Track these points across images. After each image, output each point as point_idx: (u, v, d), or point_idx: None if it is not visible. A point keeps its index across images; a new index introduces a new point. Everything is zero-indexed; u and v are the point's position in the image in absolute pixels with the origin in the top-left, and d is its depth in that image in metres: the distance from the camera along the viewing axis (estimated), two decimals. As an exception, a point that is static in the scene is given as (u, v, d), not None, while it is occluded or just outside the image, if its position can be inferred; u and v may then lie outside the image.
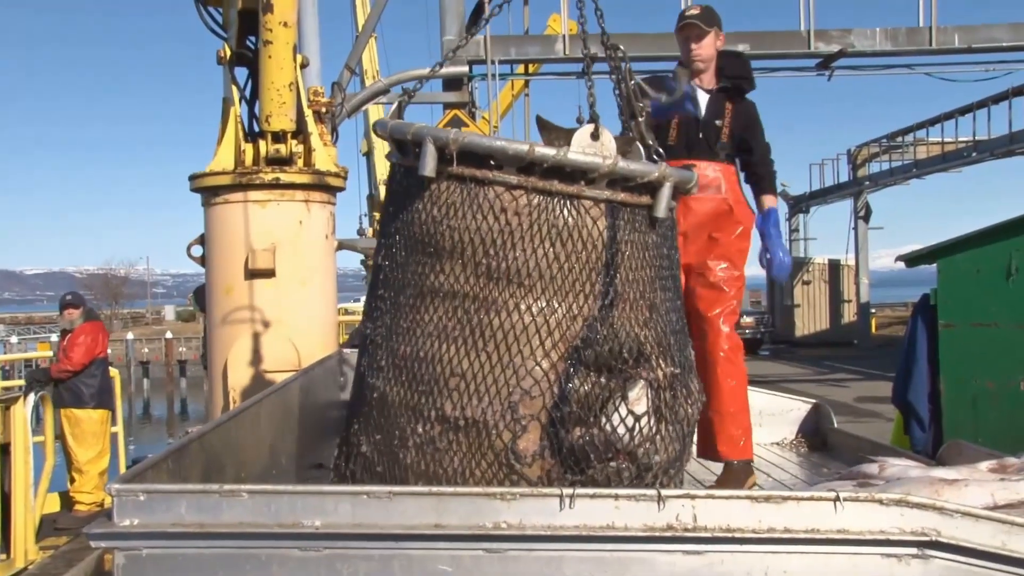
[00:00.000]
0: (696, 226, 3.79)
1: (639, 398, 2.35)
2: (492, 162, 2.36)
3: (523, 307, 2.34)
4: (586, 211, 2.37)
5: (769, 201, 3.95)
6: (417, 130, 2.44)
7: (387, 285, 2.57)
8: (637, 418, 2.33)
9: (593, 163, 2.33)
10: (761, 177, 3.96)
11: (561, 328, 2.35)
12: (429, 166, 2.35)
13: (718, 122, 3.84)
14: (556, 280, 2.35)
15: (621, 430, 2.33)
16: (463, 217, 2.37)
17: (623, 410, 2.33)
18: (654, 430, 2.37)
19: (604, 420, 2.33)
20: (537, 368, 2.32)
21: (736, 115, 3.87)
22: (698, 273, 3.81)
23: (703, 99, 3.88)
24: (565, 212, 2.35)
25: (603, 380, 2.35)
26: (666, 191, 2.42)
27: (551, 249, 2.35)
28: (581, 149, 2.38)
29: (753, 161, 3.94)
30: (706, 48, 3.85)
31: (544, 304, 2.35)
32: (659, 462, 2.39)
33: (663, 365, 2.44)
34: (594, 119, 2.46)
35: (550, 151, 2.32)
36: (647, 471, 2.38)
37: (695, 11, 3.86)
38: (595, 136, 2.42)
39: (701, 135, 3.83)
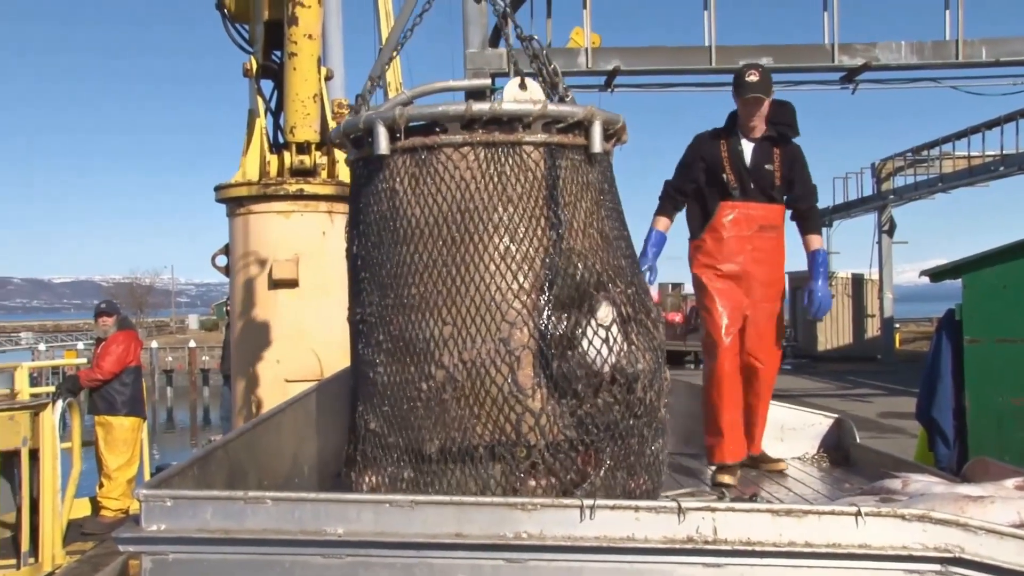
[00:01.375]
0: (759, 263, 4.06)
1: (605, 314, 2.55)
2: (437, 128, 2.57)
3: (492, 253, 2.53)
4: (527, 155, 2.59)
5: (815, 242, 4.19)
6: (366, 118, 2.66)
7: (367, 267, 2.74)
8: (607, 327, 2.54)
9: (525, 109, 2.57)
10: (807, 218, 4.18)
11: (528, 263, 2.55)
12: (383, 145, 2.58)
13: (768, 167, 4.06)
14: (514, 222, 2.55)
15: (597, 343, 2.51)
16: (423, 184, 2.58)
17: (594, 324, 2.53)
18: (627, 337, 2.58)
19: (582, 339, 2.52)
20: (516, 302, 2.50)
21: (784, 159, 4.09)
22: (760, 307, 4.09)
23: (748, 147, 4.10)
24: (510, 160, 2.57)
25: (573, 306, 2.55)
26: (597, 128, 2.65)
27: (504, 195, 2.56)
28: (513, 99, 2.63)
29: (799, 202, 4.16)
30: (765, 113, 4.10)
31: (509, 246, 2.54)
32: (643, 370, 2.58)
33: (620, 285, 2.65)
34: (519, 73, 2.73)
35: (485, 105, 2.56)
36: (635, 381, 2.55)
37: (755, 78, 4.04)
38: (523, 87, 2.69)
39: (753, 184, 4.06)
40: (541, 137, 2.59)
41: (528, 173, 2.57)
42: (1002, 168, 22.41)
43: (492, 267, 2.52)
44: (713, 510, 2.00)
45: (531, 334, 2.49)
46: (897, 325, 30.71)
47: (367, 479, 2.64)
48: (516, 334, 2.49)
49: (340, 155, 6.01)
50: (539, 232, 2.56)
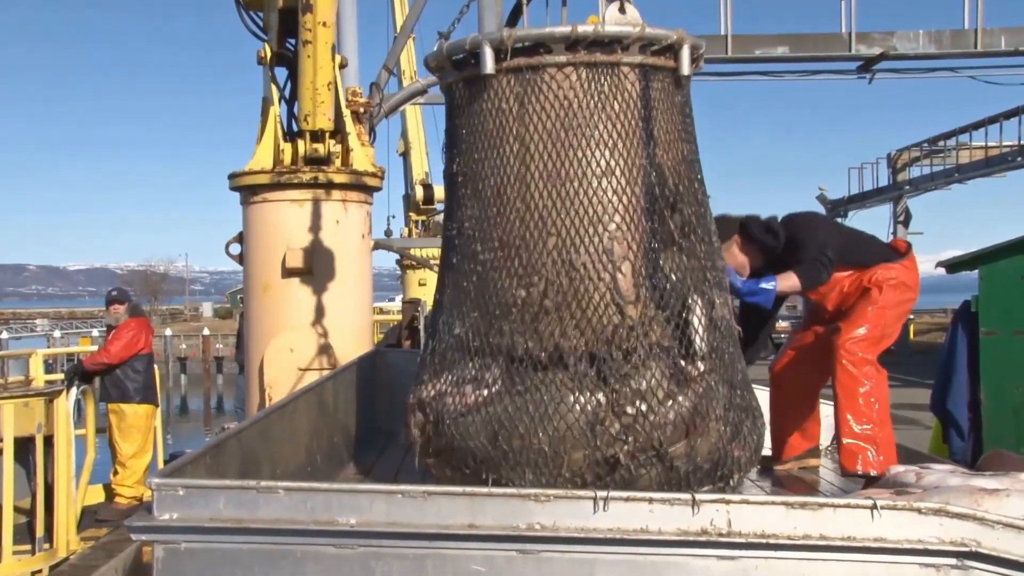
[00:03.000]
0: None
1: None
2: (541, 49, 2.73)
3: (594, 167, 2.70)
4: (624, 76, 2.76)
5: (784, 277, 3.90)
6: (472, 39, 2.82)
7: (468, 183, 2.87)
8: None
9: (625, 31, 2.73)
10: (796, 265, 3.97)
11: (626, 177, 2.72)
12: (489, 65, 2.74)
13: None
14: (613, 138, 2.72)
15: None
16: (528, 102, 2.73)
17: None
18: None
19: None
20: (616, 216, 2.69)
21: (787, 257, 3.95)
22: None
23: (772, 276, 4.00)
24: (609, 80, 2.75)
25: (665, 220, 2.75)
26: (686, 51, 2.84)
27: (604, 113, 2.72)
28: (614, 21, 2.76)
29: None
30: (730, 261, 3.87)
31: (609, 160, 2.71)
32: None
33: (692, 206, 2.86)
34: None
35: (589, 27, 2.71)
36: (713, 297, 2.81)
37: None
38: (622, 10, 2.81)
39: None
40: (638, 59, 2.77)
41: (625, 92, 2.74)
42: (1020, 159, 22.22)
43: (594, 180, 2.68)
44: (727, 502, 1.99)
45: (630, 247, 2.67)
46: (911, 316, 30.51)
47: (443, 379, 2.79)
48: (616, 245, 2.67)
49: (354, 143, 5.99)
50: (636, 148, 2.74)
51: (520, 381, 2.64)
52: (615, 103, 2.72)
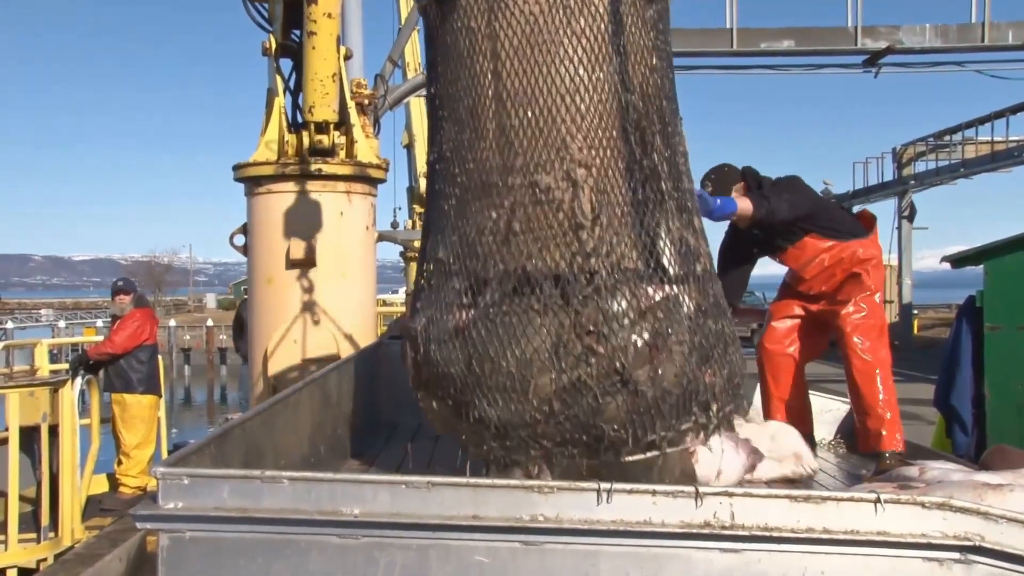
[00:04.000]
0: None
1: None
2: None
3: (558, 84, 2.66)
4: None
5: (738, 197, 4.08)
6: None
7: (445, 105, 2.86)
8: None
9: None
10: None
11: (591, 95, 2.67)
12: None
13: (779, 231, 4.19)
14: (578, 54, 2.67)
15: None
16: (496, 20, 2.69)
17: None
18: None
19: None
20: (579, 135, 2.65)
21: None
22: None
23: (757, 231, 4.22)
24: None
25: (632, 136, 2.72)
26: None
27: (569, 29, 2.67)
28: None
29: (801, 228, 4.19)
30: (744, 219, 4.08)
31: (574, 78, 2.66)
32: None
33: (658, 124, 2.81)
34: None
35: None
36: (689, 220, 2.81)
37: (708, 190, 4.13)
38: None
39: (776, 251, 4.29)
40: None
41: (591, 7, 2.69)
42: (1026, 154, 22.14)
43: (559, 99, 2.64)
44: (731, 495, 1.99)
45: (594, 166, 2.64)
46: (915, 311, 30.48)
47: (430, 307, 2.79)
48: (579, 166, 2.64)
49: (359, 135, 5.99)
50: (602, 66, 2.69)
51: (492, 304, 2.65)
52: (581, 19, 2.68)
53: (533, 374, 2.58)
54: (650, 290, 2.66)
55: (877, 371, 4.09)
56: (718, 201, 3.96)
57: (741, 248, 4.37)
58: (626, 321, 2.59)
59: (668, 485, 2.09)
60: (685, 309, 2.70)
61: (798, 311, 4.41)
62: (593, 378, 2.55)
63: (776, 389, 4.40)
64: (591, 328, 2.58)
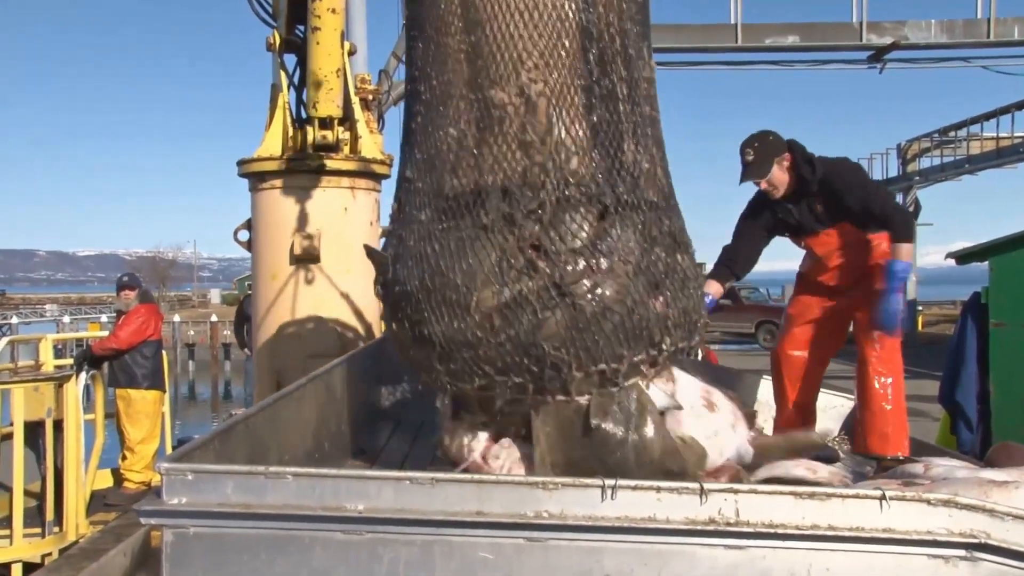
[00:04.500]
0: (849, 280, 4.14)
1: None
2: None
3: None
4: None
5: (895, 251, 3.96)
6: None
7: (414, 24, 2.92)
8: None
9: None
10: (881, 227, 4.00)
11: (550, 8, 2.68)
12: None
13: (815, 214, 4.07)
14: None
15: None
16: None
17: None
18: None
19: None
20: (536, 52, 2.67)
21: (820, 195, 4.01)
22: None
23: (791, 207, 4.09)
24: None
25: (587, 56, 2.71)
26: None
27: None
28: None
29: (856, 215, 4.00)
30: (775, 183, 4.02)
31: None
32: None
33: (630, 34, 2.81)
34: None
35: None
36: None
37: (749, 157, 3.99)
38: None
39: (804, 234, 4.14)
40: None
41: None
42: (1031, 150, 22.07)
43: (516, 15, 2.66)
44: (736, 492, 1.99)
45: (548, 82, 2.64)
46: (920, 308, 30.43)
47: (400, 226, 2.86)
48: (533, 83, 2.65)
49: (363, 131, 5.98)
50: None
51: (445, 220, 2.70)
52: None
53: (476, 287, 2.60)
54: (596, 209, 2.66)
55: (891, 379, 4.00)
56: (899, 264, 3.90)
57: (760, 221, 4.22)
58: (568, 237, 2.60)
59: (672, 481, 2.09)
60: (633, 232, 2.69)
61: (817, 312, 4.25)
62: (533, 292, 2.57)
63: (792, 393, 4.28)
64: (534, 243, 2.60)
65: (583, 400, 2.62)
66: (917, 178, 28.16)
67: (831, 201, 3.99)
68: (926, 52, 16.59)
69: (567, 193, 2.63)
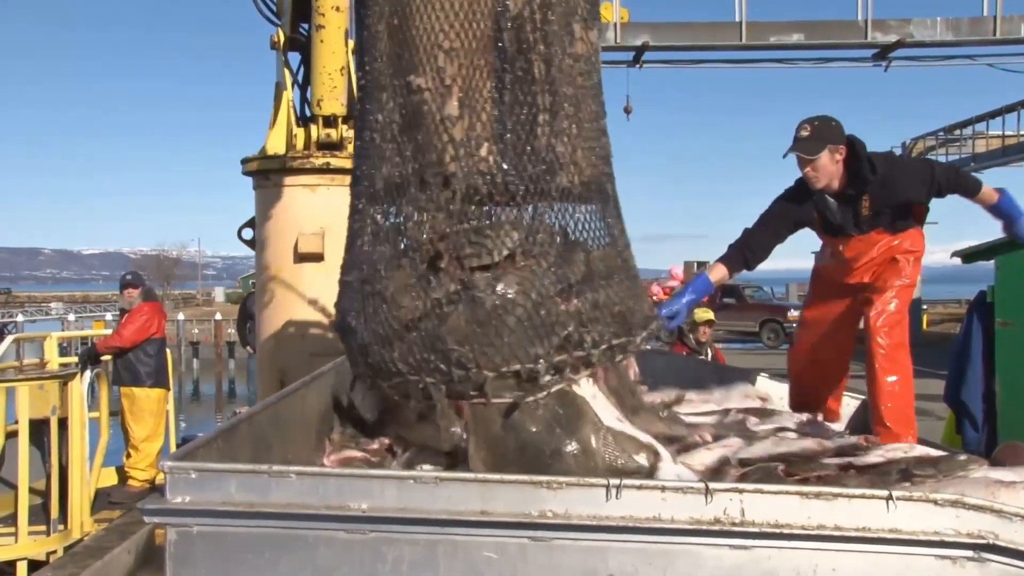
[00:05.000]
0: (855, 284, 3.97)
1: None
2: None
3: None
4: None
5: (987, 195, 3.79)
6: None
7: (360, 12, 2.90)
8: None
9: None
10: (963, 193, 3.83)
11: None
12: None
13: (858, 218, 3.85)
14: None
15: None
16: None
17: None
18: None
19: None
20: (451, 32, 2.64)
21: (874, 199, 3.81)
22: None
23: (834, 206, 3.88)
24: None
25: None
26: None
27: None
28: None
29: (924, 199, 3.85)
30: (820, 171, 3.78)
31: None
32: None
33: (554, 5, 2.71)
34: None
35: None
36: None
37: (804, 133, 3.77)
38: None
39: (839, 233, 3.91)
40: None
41: None
42: (1037, 148, 22.01)
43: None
44: (741, 491, 1.98)
45: (463, 66, 2.61)
46: (924, 306, 30.37)
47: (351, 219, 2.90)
48: (449, 65, 2.62)
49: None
50: None
51: (373, 206, 2.75)
52: None
53: (391, 281, 2.60)
54: (503, 199, 2.61)
55: (898, 379, 3.85)
56: (1004, 197, 3.74)
57: (792, 212, 3.98)
58: (469, 228, 2.58)
59: (676, 480, 2.08)
60: (540, 222, 2.63)
61: (836, 313, 4.11)
62: (440, 287, 2.54)
63: (817, 397, 4.17)
64: (442, 235, 2.57)
65: (501, 402, 2.52)
66: (922, 176, 28.07)
67: (885, 199, 3.79)
68: (931, 50, 16.53)
69: (474, 183, 2.59)
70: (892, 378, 3.86)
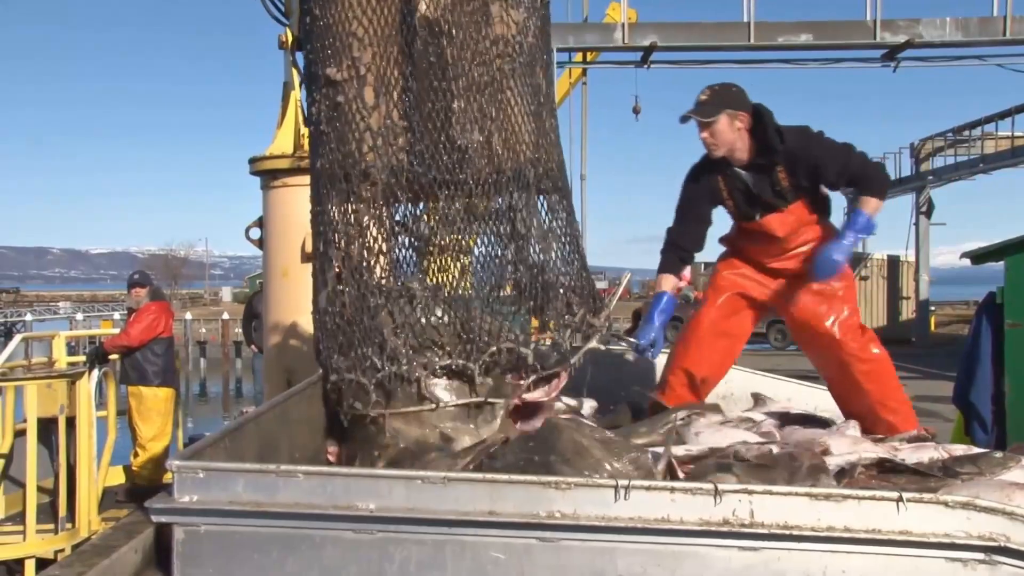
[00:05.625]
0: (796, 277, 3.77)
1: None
2: None
3: None
4: None
5: (862, 203, 3.66)
6: None
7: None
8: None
9: None
10: (855, 184, 3.68)
11: None
12: None
13: (777, 188, 3.68)
14: None
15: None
16: None
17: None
18: None
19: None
20: (364, 18, 2.64)
21: (789, 171, 3.66)
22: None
23: (747, 177, 3.72)
24: None
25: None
26: None
27: None
28: None
29: (833, 180, 3.69)
30: (717, 136, 3.64)
31: None
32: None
33: None
34: None
35: None
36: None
37: (703, 97, 3.64)
38: None
39: (759, 210, 3.74)
40: None
41: None
42: (1047, 149, 21.92)
43: None
44: (750, 493, 1.96)
45: (377, 52, 2.62)
46: (933, 308, 30.28)
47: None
48: (365, 57, 2.62)
49: (373, 129, 5.97)
50: None
51: (319, 203, 2.81)
52: None
53: (328, 277, 2.66)
54: (414, 190, 2.61)
55: (885, 373, 3.71)
56: (857, 229, 3.60)
57: (703, 195, 3.81)
58: (389, 222, 2.63)
59: (684, 481, 2.07)
60: (450, 213, 2.62)
61: (747, 290, 3.87)
62: (368, 282, 2.59)
63: (701, 368, 3.84)
64: (366, 228, 2.62)
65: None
66: (931, 177, 27.99)
67: (798, 171, 3.63)
68: (940, 50, 16.48)
69: (390, 174, 2.60)
70: (887, 371, 3.71)
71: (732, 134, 3.63)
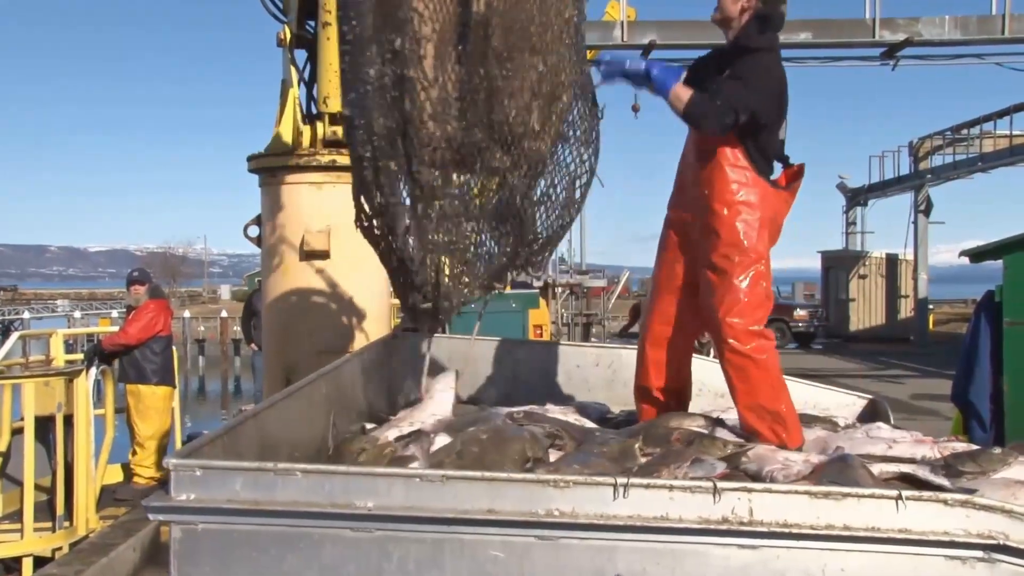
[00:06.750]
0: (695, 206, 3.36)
1: None
2: None
3: None
4: None
5: (685, 89, 3.26)
6: None
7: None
8: None
9: None
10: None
11: None
12: None
13: (714, 87, 3.30)
14: None
15: None
16: None
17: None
18: None
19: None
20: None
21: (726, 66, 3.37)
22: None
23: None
24: None
25: None
26: None
27: None
28: None
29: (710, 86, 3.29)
30: (722, 8, 3.42)
31: None
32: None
33: None
34: None
35: None
36: None
37: None
38: None
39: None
40: None
41: None
42: (1045, 147, 21.92)
43: None
44: (749, 491, 1.96)
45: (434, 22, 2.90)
46: (931, 306, 30.30)
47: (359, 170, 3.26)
48: (426, 28, 2.91)
49: (372, 127, 5.96)
50: None
51: (375, 152, 3.13)
52: None
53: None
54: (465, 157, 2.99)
55: (753, 367, 3.17)
56: (653, 70, 3.25)
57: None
58: (425, 183, 3.00)
59: (686, 480, 2.07)
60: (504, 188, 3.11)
61: (681, 275, 3.44)
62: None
63: (660, 379, 3.49)
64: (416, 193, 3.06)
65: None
66: (929, 176, 27.99)
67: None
68: (940, 49, 16.47)
69: (447, 143, 2.96)
70: (758, 366, 3.20)
71: (732, 6, 3.39)
